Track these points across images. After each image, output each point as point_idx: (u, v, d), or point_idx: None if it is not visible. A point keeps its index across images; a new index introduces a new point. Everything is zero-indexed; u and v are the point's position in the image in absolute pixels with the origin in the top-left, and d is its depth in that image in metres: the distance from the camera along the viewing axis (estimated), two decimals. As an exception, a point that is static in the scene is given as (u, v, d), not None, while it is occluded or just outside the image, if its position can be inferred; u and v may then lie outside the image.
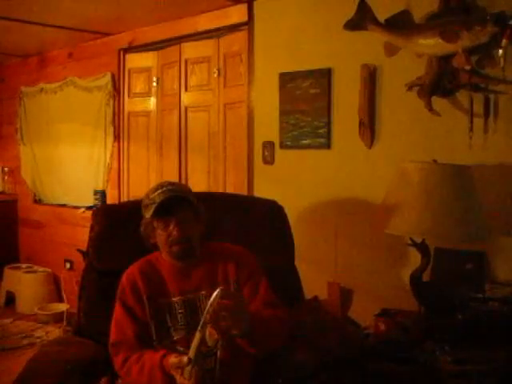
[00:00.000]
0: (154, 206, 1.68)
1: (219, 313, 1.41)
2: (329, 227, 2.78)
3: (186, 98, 3.66)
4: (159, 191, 1.70)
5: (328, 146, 2.79)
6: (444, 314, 1.96)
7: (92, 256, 2.03)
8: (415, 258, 2.18)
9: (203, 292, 1.70)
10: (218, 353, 1.58)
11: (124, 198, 4.08)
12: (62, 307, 4.31)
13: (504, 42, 2.08)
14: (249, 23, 3.13)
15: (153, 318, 1.69)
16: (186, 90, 3.66)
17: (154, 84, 3.87)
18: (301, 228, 2.59)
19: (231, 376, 1.65)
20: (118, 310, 1.72)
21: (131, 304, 1.70)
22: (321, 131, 2.80)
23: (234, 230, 2.10)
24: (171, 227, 1.68)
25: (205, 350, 1.48)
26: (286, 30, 2.96)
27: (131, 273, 1.75)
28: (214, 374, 1.61)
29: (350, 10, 2.47)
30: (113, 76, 4.09)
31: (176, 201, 1.69)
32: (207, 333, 1.43)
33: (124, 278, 1.75)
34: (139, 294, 1.70)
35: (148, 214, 1.70)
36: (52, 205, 4.77)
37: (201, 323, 1.42)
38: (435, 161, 2.11)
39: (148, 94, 3.94)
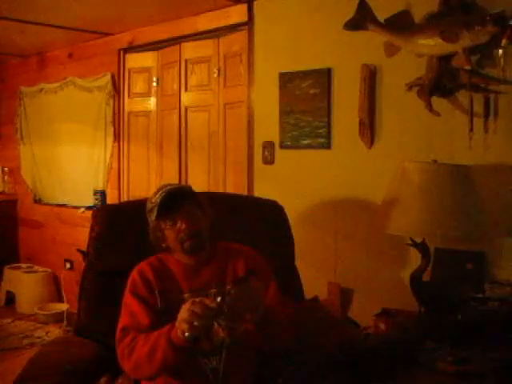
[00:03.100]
0: (157, 207, 1.69)
1: (235, 302, 1.40)
2: (329, 227, 2.79)
3: (186, 98, 3.66)
4: (160, 193, 1.71)
5: (328, 145, 2.79)
6: (444, 313, 1.96)
7: (92, 256, 2.03)
8: (415, 258, 2.18)
9: (213, 290, 1.70)
10: (223, 352, 1.59)
11: (124, 198, 4.08)
12: (62, 307, 4.31)
13: (504, 42, 2.08)
14: (249, 23, 3.14)
15: (163, 312, 1.68)
16: (186, 89, 3.66)
17: (154, 84, 3.87)
18: (301, 228, 2.59)
19: (235, 375, 1.65)
20: (129, 300, 1.68)
21: (143, 294, 1.68)
22: (321, 131, 2.80)
23: (234, 229, 2.10)
24: (179, 224, 1.68)
25: (210, 348, 1.48)
26: (286, 29, 2.96)
27: (142, 268, 1.74)
28: (218, 373, 1.61)
29: (350, 10, 2.47)
30: (113, 76, 4.09)
31: (178, 197, 1.70)
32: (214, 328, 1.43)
33: (135, 273, 1.73)
34: (151, 286, 1.69)
35: (153, 217, 1.71)
36: (52, 205, 4.77)
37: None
38: (435, 161, 2.11)
39: (148, 94, 3.94)
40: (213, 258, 1.78)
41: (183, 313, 1.44)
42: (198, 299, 1.44)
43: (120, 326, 1.66)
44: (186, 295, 1.71)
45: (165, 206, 1.68)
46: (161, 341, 1.51)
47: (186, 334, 1.41)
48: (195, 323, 1.40)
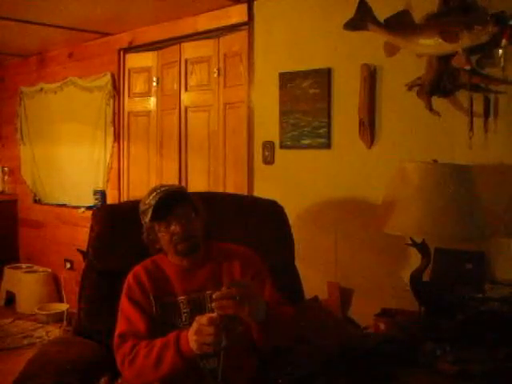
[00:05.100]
0: (151, 209, 1.68)
1: (224, 302, 1.41)
2: (329, 227, 2.78)
3: (186, 98, 3.66)
4: (154, 194, 1.71)
5: (328, 145, 2.79)
6: (444, 313, 1.96)
7: (92, 256, 2.03)
8: (415, 258, 2.18)
9: (208, 291, 1.69)
10: (222, 353, 1.59)
11: (124, 198, 4.08)
12: (62, 307, 4.31)
13: (504, 42, 2.09)
14: (249, 23, 3.14)
15: (158, 316, 1.68)
16: (186, 90, 3.66)
17: (154, 84, 3.87)
18: (301, 228, 2.59)
19: (234, 376, 1.65)
20: (125, 306, 1.69)
21: (139, 299, 1.69)
22: (321, 131, 2.80)
23: (234, 229, 2.10)
24: (173, 226, 1.68)
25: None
26: (285, 30, 2.96)
27: (137, 271, 1.75)
28: (217, 373, 1.61)
29: (350, 10, 2.47)
30: (113, 76, 4.09)
31: (172, 199, 1.70)
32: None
33: (130, 277, 1.74)
34: (146, 291, 1.70)
35: (147, 218, 1.70)
36: (52, 205, 4.77)
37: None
38: (435, 161, 2.11)
39: (148, 94, 3.94)
40: (207, 260, 1.78)
41: (202, 335, 1.44)
42: (206, 321, 1.44)
43: (117, 331, 1.67)
44: (181, 298, 1.71)
45: (159, 209, 1.67)
46: (168, 351, 1.52)
47: (206, 351, 1.45)
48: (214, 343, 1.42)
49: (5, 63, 5.24)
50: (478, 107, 2.23)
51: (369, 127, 2.60)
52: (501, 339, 1.81)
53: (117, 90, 4.08)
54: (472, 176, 2.07)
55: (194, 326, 1.46)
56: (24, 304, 4.49)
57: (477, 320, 1.88)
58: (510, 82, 2.15)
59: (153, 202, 1.68)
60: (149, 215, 1.69)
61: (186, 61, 3.64)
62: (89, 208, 4.19)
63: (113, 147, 4.14)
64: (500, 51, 2.12)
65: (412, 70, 2.38)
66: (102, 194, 4.17)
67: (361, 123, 2.63)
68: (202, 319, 1.45)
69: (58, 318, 4.21)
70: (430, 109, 2.31)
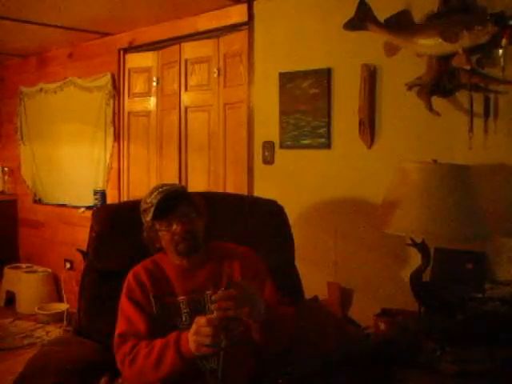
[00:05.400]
0: (153, 208, 1.68)
1: (223, 303, 1.41)
2: (329, 227, 2.78)
3: (186, 98, 3.67)
4: (155, 193, 1.71)
5: (328, 146, 2.79)
6: (444, 314, 1.96)
7: (92, 256, 2.03)
8: (415, 258, 2.18)
9: (208, 292, 1.70)
10: (222, 353, 1.59)
11: (124, 198, 4.08)
12: (62, 307, 4.31)
13: (504, 41, 2.09)
14: (249, 23, 3.14)
15: (158, 316, 1.69)
16: (186, 90, 3.66)
17: (154, 84, 3.87)
18: (301, 228, 2.59)
19: (234, 376, 1.65)
20: (126, 306, 1.69)
21: (139, 299, 1.69)
22: (321, 131, 2.80)
23: (234, 229, 2.10)
24: (174, 225, 1.68)
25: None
26: (285, 29, 2.96)
27: (137, 271, 1.75)
28: (217, 373, 1.61)
29: (350, 10, 2.47)
30: (113, 76, 4.10)
31: (174, 198, 1.70)
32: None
33: (130, 276, 1.74)
34: (146, 291, 1.70)
35: (148, 217, 1.71)
36: (52, 205, 4.77)
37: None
38: (435, 161, 2.11)
39: (148, 94, 3.94)
40: (208, 259, 1.78)
41: (201, 335, 1.44)
42: (204, 322, 1.44)
43: (117, 331, 1.67)
44: (181, 298, 1.71)
45: (160, 208, 1.68)
46: (169, 351, 1.52)
47: (205, 352, 1.45)
48: (213, 344, 1.42)
49: (5, 63, 5.24)
50: (478, 107, 2.23)
51: (369, 127, 2.60)
52: (501, 339, 1.81)
53: (117, 90, 4.08)
54: (472, 176, 2.08)
55: (194, 326, 1.46)
56: (24, 304, 4.49)
57: (477, 320, 1.88)
58: (510, 82, 2.15)
59: (154, 201, 1.68)
60: (150, 214, 1.69)
61: (186, 61, 3.64)
62: (89, 208, 4.19)
63: (113, 147, 4.14)
64: (500, 51, 2.12)
65: (412, 69, 2.38)
66: (102, 194, 4.17)
67: (361, 123, 2.63)
68: (201, 320, 1.45)
69: (58, 318, 4.21)
70: (430, 109, 2.31)
